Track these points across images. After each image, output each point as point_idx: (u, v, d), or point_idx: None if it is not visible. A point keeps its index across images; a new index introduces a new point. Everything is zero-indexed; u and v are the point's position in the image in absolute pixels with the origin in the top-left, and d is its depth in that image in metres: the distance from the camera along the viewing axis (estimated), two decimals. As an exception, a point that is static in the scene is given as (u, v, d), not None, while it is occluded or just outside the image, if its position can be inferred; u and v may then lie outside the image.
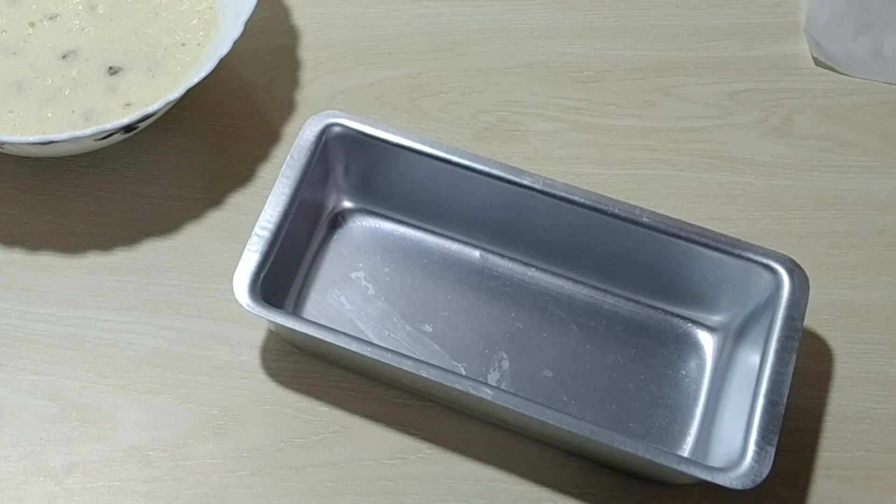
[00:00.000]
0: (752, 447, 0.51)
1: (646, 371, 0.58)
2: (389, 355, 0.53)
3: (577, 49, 0.70)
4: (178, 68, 0.64)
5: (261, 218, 0.56)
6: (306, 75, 0.68)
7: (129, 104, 0.62)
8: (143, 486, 0.55)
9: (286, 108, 0.67)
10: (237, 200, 0.63)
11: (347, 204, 0.62)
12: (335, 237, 0.62)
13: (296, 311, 0.59)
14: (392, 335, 0.59)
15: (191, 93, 0.59)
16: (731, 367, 0.56)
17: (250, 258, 0.55)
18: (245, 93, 0.67)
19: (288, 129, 0.66)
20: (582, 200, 0.57)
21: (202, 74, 0.59)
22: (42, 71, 0.63)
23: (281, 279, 0.58)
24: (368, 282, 0.60)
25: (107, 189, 0.64)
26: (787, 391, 0.52)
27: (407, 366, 0.53)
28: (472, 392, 0.52)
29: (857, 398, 0.59)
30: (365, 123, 0.59)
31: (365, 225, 0.62)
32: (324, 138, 0.59)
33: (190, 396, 0.58)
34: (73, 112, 0.62)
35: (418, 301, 0.60)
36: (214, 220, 0.63)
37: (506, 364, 0.58)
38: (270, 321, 0.55)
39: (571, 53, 0.70)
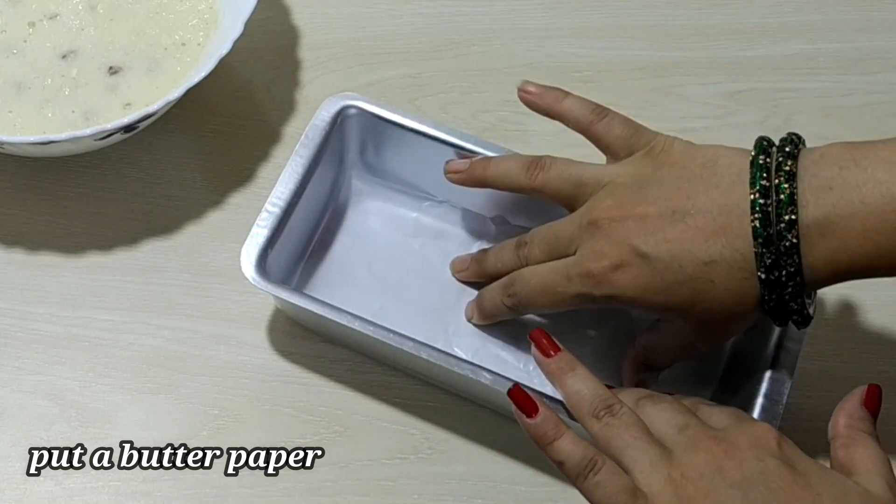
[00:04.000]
0: None
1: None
2: (391, 335, 0.53)
3: (577, 49, 0.70)
4: (179, 68, 0.64)
5: (272, 194, 0.57)
6: (306, 75, 0.68)
7: (129, 104, 0.62)
8: (143, 486, 0.55)
9: (286, 108, 0.67)
10: (237, 200, 0.63)
11: (361, 184, 0.62)
12: (347, 216, 0.62)
13: (303, 288, 0.59)
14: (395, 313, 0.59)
15: (191, 93, 0.59)
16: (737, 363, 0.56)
17: (259, 233, 0.56)
18: (245, 93, 0.67)
19: (288, 129, 0.66)
20: None
21: (202, 74, 0.59)
22: (42, 71, 0.63)
23: (290, 255, 0.58)
24: (378, 261, 0.60)
25: (107, 189, 0.64)
26: (787, 391, 0.52)
27: (408, 346, 0.53)
28: (471, 376, 0.52)
29: (857, 398, 0.58)
30: (381, 107, 0.59)
31: (377, 206, 0.62)
32: (339, 119, 0.59)
33: (190, 396, 0.58)
34: (73, 112, 0.62)
35: (428, 280, 0.60)
36: (214, 220, 0.63)
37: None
38: (276, 297, 0.55)
39: (571, 53, 0.70)
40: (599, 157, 0.65)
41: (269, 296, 0.60)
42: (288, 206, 0.57)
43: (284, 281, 0.58)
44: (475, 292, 0.59)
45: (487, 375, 0.52)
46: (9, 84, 0.63)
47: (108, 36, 0.65)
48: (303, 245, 0.60)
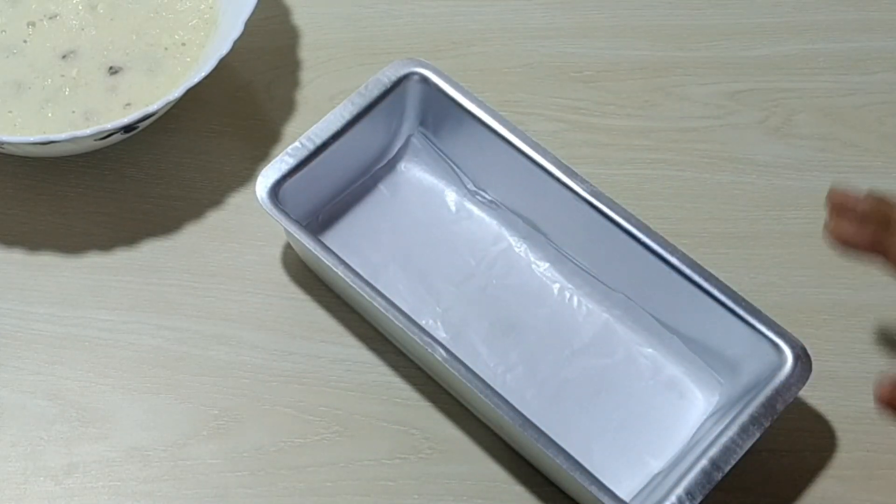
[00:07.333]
0: (671, 499, 0.50)
1: (631, 403, 0.57)
2: (365, 286, 0.54)
3: (577, 49, 0.70)
4: (179, 68, 0.64)
5: (311, 130, 0.58)
6: (306, 75, 0.68)
7: (129, 104, 0.62)
8: (143, 486, 0.55)
9: (286, 108, 0.67)
10: (237, 200, 0.63)
11: (420, 149, 0.63)
12: (395, 175, 0.62)
13: (323, 228, 0.60)
14: (399, 286, 0.59)
15: (191, 93, 0.59)
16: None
17: (285, 161, 0.57)
18: (245, 93, 0.67)
19: (288, 129, 0.66)
20: (619, 220, 0.57)
21: (202, 74, 0.59)
22: (42, 71, 0.63)
23: (316, 192, 0.59)
24: (404, 226, 0.61)
25: (107, 189, 0.64)
26: (733, 462, 0.51)
27: (378, 303, 0.53)
28: (427, 349, 0.53)
29: (857, 398, 0.58)
30: (447, 82, 0.60)
31: (427, 174, 0.62)
32: (403, 82, 0.60)
33: (190, 396, 0.58)
34: (73, 112, 0.62)
35: (441, 257, 0.60)
36: (214, 220, 0.63)
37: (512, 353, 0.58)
38: (286, 229, 0.56)
39: (571, 53, 0.70)
40: (599, 157, 0.65)
41: (270, 296, 0.60)
42: (322, 144, 0.57)
43: (305, 215, 0.59)
44: (483, 285, 0.59)
45: (443, 352, 0.53)
46: (9, 84, 0.63)
47: (108, 36, 0.65)
48: (335, 188, 0.61)
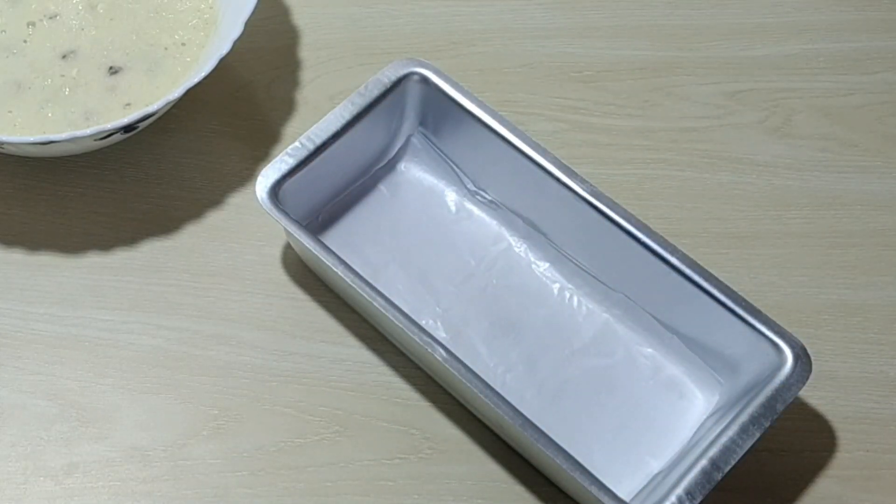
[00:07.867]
0: (671, 499, 0.50)
1: (631, 403, 0.57)
2: (364, 285, 0.54)
3: (577, 49, 0.70)
4: (179, 68, 0.64)
5: (311, 130, 0.58)
6: (306, 75, 0.68)
7: (129, 104, 0.62)
8: (143, 486, 0.55)
9: (286, 108, 0.67)
10: (237, 200, 0.63)
11: (420, 149, 0.62)
12: (395, 175, 0.62)
13: (323, 228, 0.60)
14: (399, 286, 0.59)
15: (191, 93, 0.59)
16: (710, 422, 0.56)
17: (284, 161, 0.57)
18: (245, 93, 0.67)
19: (288, 129, 0.66)
20: (619, 220, 0.57)
21: (202, 74, 0.59)
22: (42, 71, 0.63)
23: (316, 192, 0.59)
24: (405, 225, 0.61)
25: (107, 189, 0.64)
26: (733, 462, 0.51)
27: (378, 303, 0.53)
28: (426, 348, 0.53)
29: (857, 398, 0.59)
30: (447, 82, 0.60)
31: (428, 174, 0.62)
32: (403, 82, 0.60)
33: (190, 396, 0.58)
34: (73, 112, 0.62)
35: (441, 258, 0.60)
36: (214, 220, 0.63)
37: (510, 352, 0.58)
38: (286, 229, 0.56)
39: (571, 53, 0.70)
40: (599, 157, 0.65)
41: (270, 296, 0.60)
42: (322, 144, 0.58)
43: (305, 215, 0.59)
44: (483, 285, 0.59)
45: (443, 352, 0.53)
46: (9, 84, 0.63)
47: (108, 36, 0.65)
48: (335, 188, 0.61)
